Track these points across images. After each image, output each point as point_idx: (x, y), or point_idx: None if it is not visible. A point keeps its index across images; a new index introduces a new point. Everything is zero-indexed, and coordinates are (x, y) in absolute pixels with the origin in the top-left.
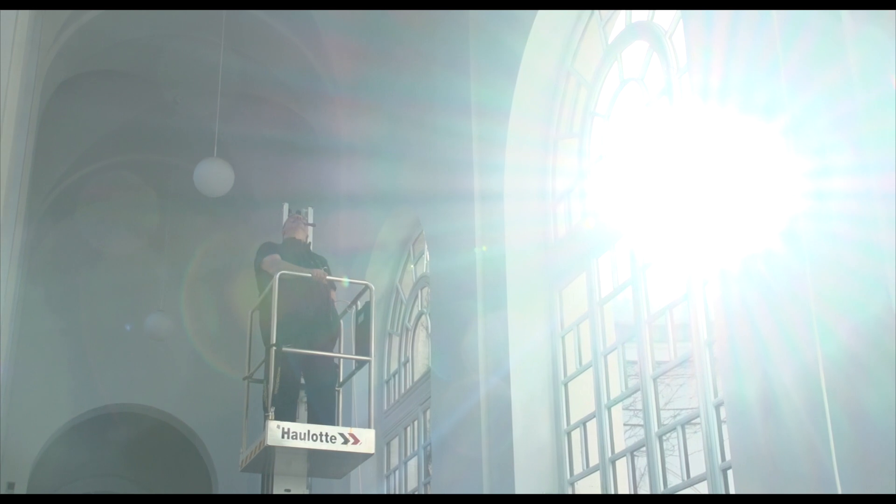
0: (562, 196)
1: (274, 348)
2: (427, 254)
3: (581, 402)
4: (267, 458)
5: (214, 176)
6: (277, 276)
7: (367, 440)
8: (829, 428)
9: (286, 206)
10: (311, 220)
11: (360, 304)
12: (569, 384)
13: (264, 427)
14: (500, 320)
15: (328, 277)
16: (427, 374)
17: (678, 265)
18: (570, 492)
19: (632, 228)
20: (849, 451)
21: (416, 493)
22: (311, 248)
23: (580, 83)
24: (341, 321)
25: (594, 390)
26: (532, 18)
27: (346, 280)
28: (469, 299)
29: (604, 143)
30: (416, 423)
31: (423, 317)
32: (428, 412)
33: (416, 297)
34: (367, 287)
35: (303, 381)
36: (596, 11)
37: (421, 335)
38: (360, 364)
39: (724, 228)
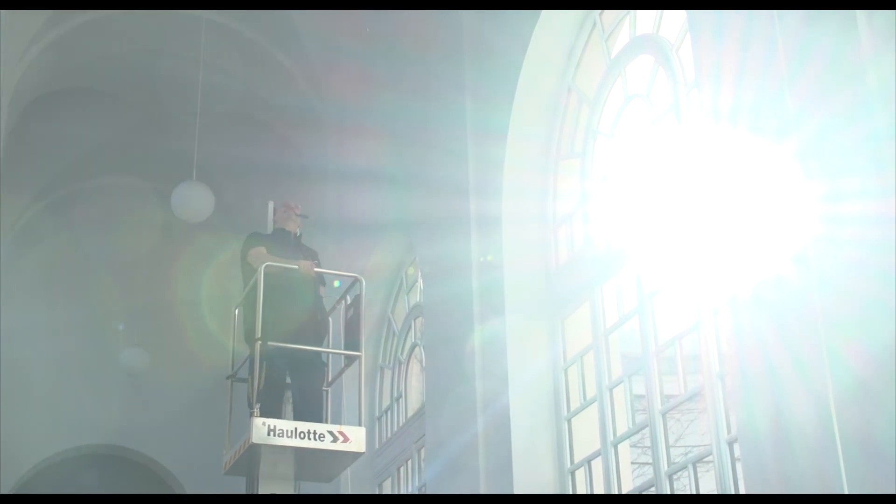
0: (563, 220)
1: (259, 342)
2: (421, 282)
3: (585, 438)
4: (252, 458)
5: (193, 200)
6: (262, 268)
7: (357, 438)
8: (841, 465)
9: (271, 205)
10: (301, 212)
11: (349, 299)
12: (572, 420)
13: (249, 425)
14: (498, 352)
15: (316, 270)
16: (421, 410)
17: (687, 293)
18: None
19: (638, 254)
20: (862, 484)
21: None
22: (302, 240)
23: (582, 100)
24: (330, 318)
25: (599, 426)
26: (531, 31)
27: (337, 281)
28: (465, 330)
29: (607, 164)
30: (409, 462)
31: (417, 349)
32: (422, 451)
33: (410, 327)
34: (356, 279)
35: (289, 380)
36: (598, 24)
37: (415, 368)
38: (350, 361)
39: (734, 254)
